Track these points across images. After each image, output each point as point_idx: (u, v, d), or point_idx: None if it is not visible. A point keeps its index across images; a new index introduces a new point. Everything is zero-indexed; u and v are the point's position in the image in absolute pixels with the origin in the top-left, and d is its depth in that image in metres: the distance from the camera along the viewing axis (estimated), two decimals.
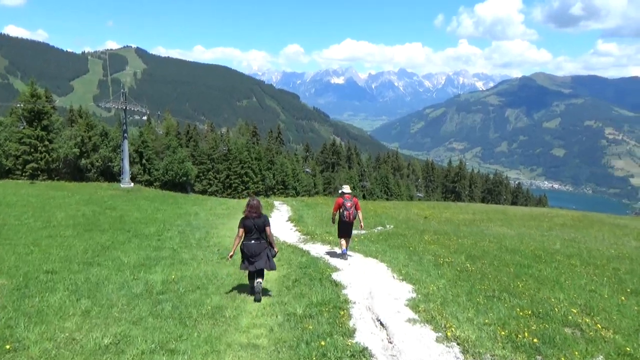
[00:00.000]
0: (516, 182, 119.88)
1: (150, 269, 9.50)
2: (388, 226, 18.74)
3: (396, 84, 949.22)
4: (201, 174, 54.30)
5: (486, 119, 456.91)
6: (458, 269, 10.17)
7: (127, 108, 42.08)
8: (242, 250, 7.83)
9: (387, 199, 67.78)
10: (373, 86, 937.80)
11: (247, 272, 8.12)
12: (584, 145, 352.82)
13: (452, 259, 11.32)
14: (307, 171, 67.96)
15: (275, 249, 8.11)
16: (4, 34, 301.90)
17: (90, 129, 43.89)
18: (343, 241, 11.25)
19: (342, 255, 11.17)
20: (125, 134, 41.43)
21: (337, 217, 11.15)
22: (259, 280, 7.82)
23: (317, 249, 12.64)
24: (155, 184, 47.41)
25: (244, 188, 55.21)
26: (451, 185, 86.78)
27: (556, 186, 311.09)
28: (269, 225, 7.97)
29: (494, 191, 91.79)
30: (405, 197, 74.29)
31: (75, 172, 42.74)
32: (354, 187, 68.59)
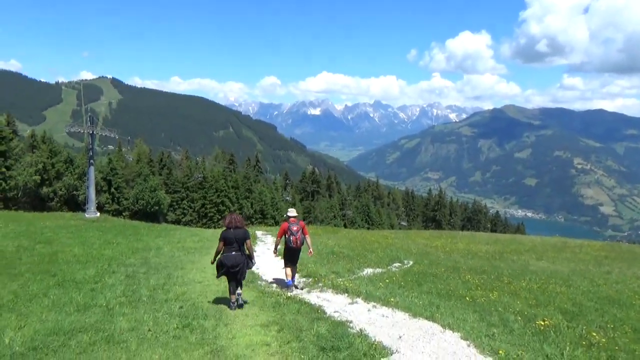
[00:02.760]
0: (492, 211, 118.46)
1: None
2: (406, 262, 14.68)
3: (372, 115, 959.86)
4: (175, 203, 50.66)
5: (460, 149, 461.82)
6: (583, 342, 6.14)
7: (95, 133, 38.56)
8: (221, 261, 7.73)
9: (369, 228, 65.08)
10: (349, 117, 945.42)
11: (227, 285, 8.02)
12: (555, 174, 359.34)
13: (546, 319, 7.31)
14: (287, 199, 64.13)
15: (254, 260, 8.22)
16: None
17: (54, 155, 40.69)
18: (289, 270, 9.89)
19: (289, 288, 9.71)
20: (92, 160, 37.73)
21: (280, 244, 9.94)
22: (239, 292, 7.89)
23: (333, 303, 8.44)
24: (124, 214, 44.61)
25: (220, 217, 51.10)
26: (431, 214, 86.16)
27: (529, 214, 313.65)
28: (249, 238, 7.99)
29: (473, 219, 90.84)
30: (387, 225, 72.51)
31: (36, 202, 39.16)
32: (334, 216, 65.56)
